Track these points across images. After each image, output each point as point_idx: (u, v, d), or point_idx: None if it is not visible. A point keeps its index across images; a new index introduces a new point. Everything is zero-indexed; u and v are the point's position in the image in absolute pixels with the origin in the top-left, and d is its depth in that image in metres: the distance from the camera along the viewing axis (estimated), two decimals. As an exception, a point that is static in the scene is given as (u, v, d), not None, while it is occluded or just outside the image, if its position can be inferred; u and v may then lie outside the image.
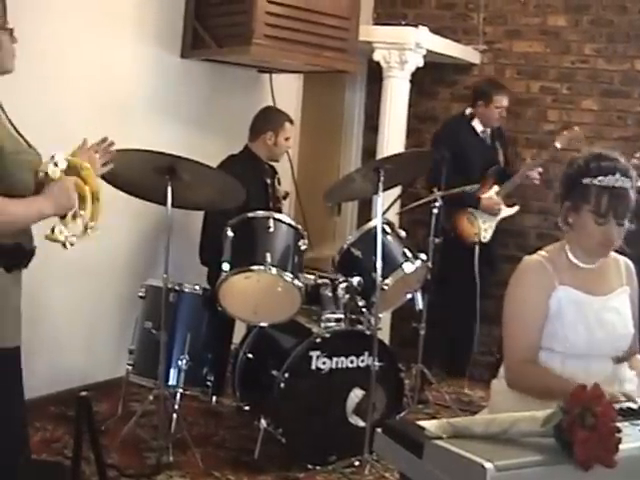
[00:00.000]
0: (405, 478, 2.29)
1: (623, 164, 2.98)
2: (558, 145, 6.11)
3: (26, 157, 2.92)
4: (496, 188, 6.24)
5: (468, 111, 6.32)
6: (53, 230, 2.92)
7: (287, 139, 5.39)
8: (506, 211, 6.35)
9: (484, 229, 6.22)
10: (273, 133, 5.36)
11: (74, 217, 2.96)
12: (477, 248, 6.06)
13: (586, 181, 2.96)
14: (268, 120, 5.42)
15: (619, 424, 2.13)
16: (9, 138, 2.87)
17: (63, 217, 2.96)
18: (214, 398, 4.75)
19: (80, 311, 5.18)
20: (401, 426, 2.35)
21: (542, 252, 3.12)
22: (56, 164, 2.91)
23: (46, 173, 2.90)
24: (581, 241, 3.06)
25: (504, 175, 6.32)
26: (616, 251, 3.15)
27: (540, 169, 6.26)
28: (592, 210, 2.96)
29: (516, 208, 6.43)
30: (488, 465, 1.97)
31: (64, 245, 2.94)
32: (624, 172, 2.95)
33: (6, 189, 2.79)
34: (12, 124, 2.99)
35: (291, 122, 5.45)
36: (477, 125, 6.28)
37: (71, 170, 2.96)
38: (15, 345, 2.96)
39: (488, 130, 6.33)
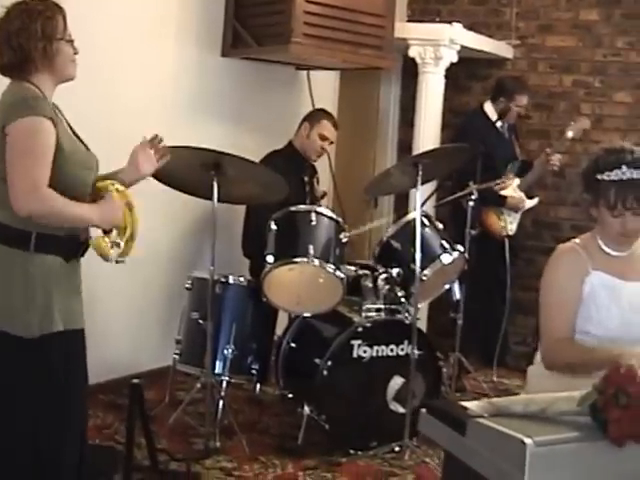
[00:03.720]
0: (449, 455, 2.42)
1: (632, 156, 3.07)
2: (569, 135, 6.19)
3: (82, 157, 3.11)
4: (517, 181, 6.33)
5: (488, 107, 6.39)
6: (101, 239, 3.12)
7: (323, 137, 5.42)
8: (529, 203, 6.43)
9: (510, 222, 6.30)
10: (309, 125, 5.44)
11: (112, 245, 3.13)
12: (507, 241, 6.16)
13: (597, 177, 3.10)
14: (310, 114, 5.56)
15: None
16: (68, 140, 3.05)
17: (106, 232, 3.15)
18: (258, 386, 4.91)
19: (128, 303, 5.33)
20: (445, 406, 2.49)
21: (576, 240, 3.26)
22: (114, 185, 3.13)
23: (101, 191, 3.12)
24: (604, 232, 3.19)
25: (523, 169, 6.40)
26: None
27: (559, 155, 6.30)
28: (604, 204, 3.10)
29: (537, 199, 6.50)
30: (528, 440, 2.08)
31: (105, 258, 3.12)
32: (632, 164, 3.05)
33: (66, 188, 2.97)
34: (71, 128, 3.17)
35: (333, 123, 5.48)
36: (495, 119, 6.37)
37: (121, 199, 3.16)
38: (81, 327, 3.15)
39: (505, 125, 6.41)
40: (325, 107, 5.80)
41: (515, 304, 6.53)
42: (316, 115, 5.53)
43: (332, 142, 5.53)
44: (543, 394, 2.40)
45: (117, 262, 3.16)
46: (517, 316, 6.75)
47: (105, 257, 3.11)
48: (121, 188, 3.16)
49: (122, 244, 3.15)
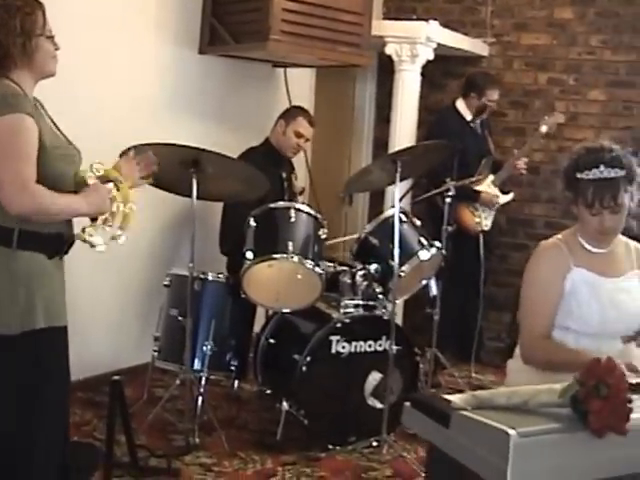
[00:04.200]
0: (433, 447, 2.46)
1: (609, 155, 3.12)
2: (543, 130, 6.25)
3: (64, 152, 3.11)
4: (491, 177, 6.37)
5: (460, 104, 6.42)
6: (84, 230, 3.12)
7: (298, 134, 5.44)
8: (503, 198, 6.47)
9: (484, 217, 6.34)
10: (284, 122, 5.47)
11: (104, 223, 3.14)
12: (481, 237, 6.19)
13: (576, 175, 3.14)
14: (286, 111, 5.58)
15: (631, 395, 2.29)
16: (50, 134, 3.05)
17: (94, 220, 3.15)
18: (237, 382, 4.92)
19: (106, 300, 5.34)
20: (428, 399, 2.52)
21: (558, 236, 3.30)
22: (93, 170, 3.12)
23: (83, 177, 3.11)
24: (584, 230, 3.23)
25: (496, 164, 6.44)
26: (628, 235, 3.33)
27: (526, 159, 6.38)
28: (582, 202, 3.15)
29: (512, 195, 6.54)
30: (511, 432, 2.12)
31: (92, 246, 3.13)
32: (609, 163, 3.09)
33: (50, 183, 2.96)
34: (53, 122, 3.17)
35: (308, 120, 5.50)
36: (468, 116, 6.38)
37: (106, 180, 3.17)
38: (64, 325, 3.15)
39: (478, 121, 6.43)
40: (302, 104, 5.82)
41: (489, 300, 6.59)
42: (292, 112, 5.55)
43: (308, 139, 5.55)
44: (525, 386, 2.44)
45: (116, 239, 3.18)
46: (491, 312, 6.80)
47: (90, 244, 3.11)
48: (101, 170, 3.15)
49: (115, 220, 3.16)
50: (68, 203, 3.04)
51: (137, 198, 3.29)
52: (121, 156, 3.59)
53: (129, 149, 3.66)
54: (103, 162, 3.22)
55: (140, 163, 3.42)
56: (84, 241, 3.12)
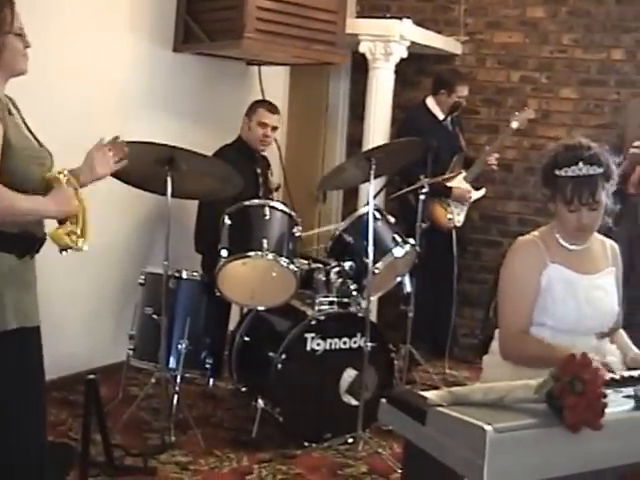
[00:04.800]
0: (409, 444, 2.47)
1: (588, 153, 3.14)
2: (514, 125, 6.30)
3: (33, 153, 3.06)
4: (463, 173, 6.40)
5: (430, 101, 6.45)
6: (59, 234, 3.09)
7: (262, 125, 5.46)
8: (475, 194, 6.50)
9: (457, 214, 6.37)
10: (247, 118, 5.52)
11: (68, 235, 3.09)
12: (454, 234, 6.22)
13: (555, 172, 3.16)
14: (248, 108, 5.59)
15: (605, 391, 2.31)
16: (18, 135, 3.00)
17: (61, 223, 3.11)
18: (212, 380, 4.92)
19: (80, 298, 5.32)
20: (404, 396, 2.53)
21: (535, 232, 3.32)
22: (60, 174, 3.10)
23: (49, 179, 3.08)
24: (561, 227, 3.25)
25: (468, 161, 6.48)
26: (604, 233, 3.36)
27: (497, 154, 6.43)
28: (561, 199, 3.16)
29: (484, 191, 6.59)
30: (488, 427, 2.14)
31: (66, 248, 3.10)
32: (588, 161, 3.11)
33: (18, 184, 2.93)
34: (25, 123, 3.14)
35: (268, 109, 5.52)
36: (438, 113, 6.41)
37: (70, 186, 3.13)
38: (36, 325, 3.12)
39: (449, 118, 6.45)
40: (276, 102, 5.81)
41: (462, 296, 6.63)
42: (252, 107, 5.58)
43: (275, 127, 5.55)
44: (501, 383, 2.46)
45: (79, 250, 3.14)
46: (464, 308, 6.83)
47: (66, 247, 3.08)
48: (70, 177, 3.12)
49: (78, 232, 3.12)
50: (34, 205, 3.00)
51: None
52: None
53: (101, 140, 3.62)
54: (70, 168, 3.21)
55: (112, 149, 3.40)
56: (57, 241, 3.10)
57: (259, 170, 5.51)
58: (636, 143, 5.50)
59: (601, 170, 3.13)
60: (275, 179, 5.78)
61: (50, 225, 3.14)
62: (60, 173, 3.09)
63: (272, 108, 5.56)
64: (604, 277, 3.30)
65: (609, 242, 3.40)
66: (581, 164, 3.10)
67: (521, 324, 3.21)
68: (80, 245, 3.12)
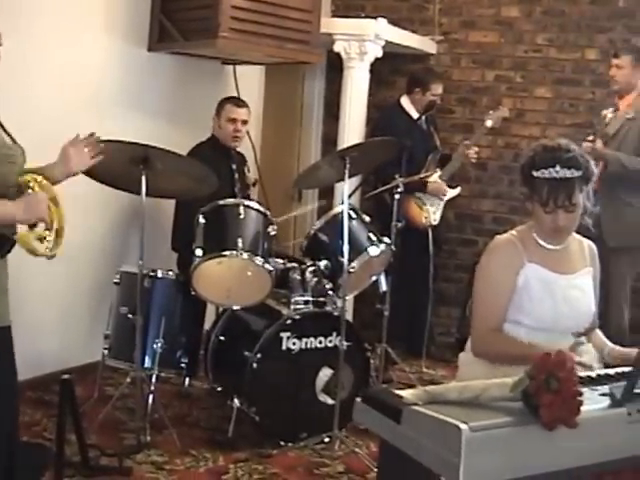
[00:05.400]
0: (385, 443, 2.47)
1: (566, 155, 3.12)
2: (488, 124, 6.32)
3: (4, 151, 3.05)
4: (439, 172, 6.41)
5: (404, 100, 6.45)
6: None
7: (231, 120, 5.46)
8: (450, 192, 6.52)
9: (432, 212, 6.39)
10: (216, 116, 5.53)
11: (39, 240, 3.08)
12: (430, 233, 6.23)
13: (532, 173, 3.15)
14: (216, 106, 5.59)
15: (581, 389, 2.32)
16: None
17: (31, 227, 3.09)
18: (187, 380, 4.92)
19: (55, 298, 5.30)
20: (380, 394, 2.52)
21: (513, 232, 3.32)
22: (36, 179, 3.08)
23: (21, 183, 3.06)
24: (538, 226, 3.26)
25: (443, 160, 6.48)
26: (582, 233, 3.37)
27: (476, 148, 6.44)
28: (537, 200, 3.17)
29: (459, 189, 6.61)
30: (463, 426, 2.14)
31: (33, 253, 3.08)
32: (564, 163, 3.10)
33: None
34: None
35: (235, 104, 5.52)
36: (413, 112, 6.41)
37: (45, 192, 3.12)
38: (7, 325, 3.10)
39: (423, 117, 6.45)
40: (251, 101, 5.82)
41: (438, 295, 6.65)
42: (219, 105, 5.58)
43: (245, 121, 5.54)
44: (477, 381, 2.46)
45: (48, 258, 3.13)
46: (440, 307, 6.86)
47: (33, 252, 3.07)
48: (44, 182, 3.11)
49: (50, 238, 3.11)
50: (2, 209, 2.98)
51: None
52: None
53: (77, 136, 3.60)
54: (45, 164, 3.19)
55: (87, 145, 3.38)
56: (26, 246, 3.07)
57: (234, 166, 5.52)
58: (589, 138, 5.54)
59: (579, 173, 3.11)
60: (252, 175, 5.77)
61: (23, 227, 3.12)
62: (34, 180, 3.07)
63: (239, 102, 5.57)
64: (581, 277, 3.31)
65: (587, 242, 3.41)
66: (558, 167, 3.09)
67: (493, 323, 3.21)
68: (48, 252, 3.10)
